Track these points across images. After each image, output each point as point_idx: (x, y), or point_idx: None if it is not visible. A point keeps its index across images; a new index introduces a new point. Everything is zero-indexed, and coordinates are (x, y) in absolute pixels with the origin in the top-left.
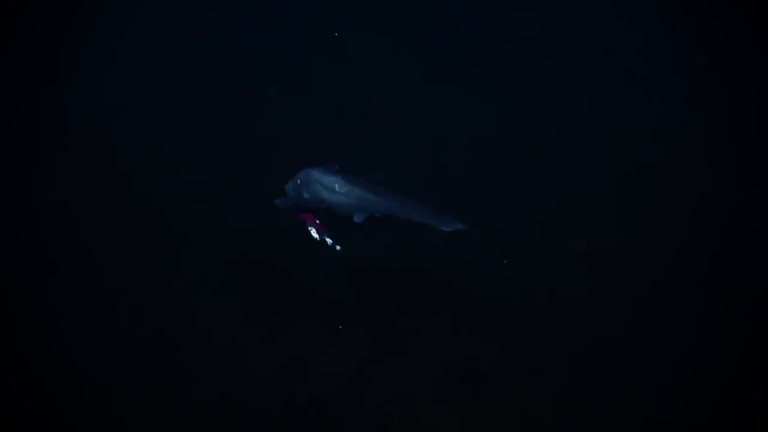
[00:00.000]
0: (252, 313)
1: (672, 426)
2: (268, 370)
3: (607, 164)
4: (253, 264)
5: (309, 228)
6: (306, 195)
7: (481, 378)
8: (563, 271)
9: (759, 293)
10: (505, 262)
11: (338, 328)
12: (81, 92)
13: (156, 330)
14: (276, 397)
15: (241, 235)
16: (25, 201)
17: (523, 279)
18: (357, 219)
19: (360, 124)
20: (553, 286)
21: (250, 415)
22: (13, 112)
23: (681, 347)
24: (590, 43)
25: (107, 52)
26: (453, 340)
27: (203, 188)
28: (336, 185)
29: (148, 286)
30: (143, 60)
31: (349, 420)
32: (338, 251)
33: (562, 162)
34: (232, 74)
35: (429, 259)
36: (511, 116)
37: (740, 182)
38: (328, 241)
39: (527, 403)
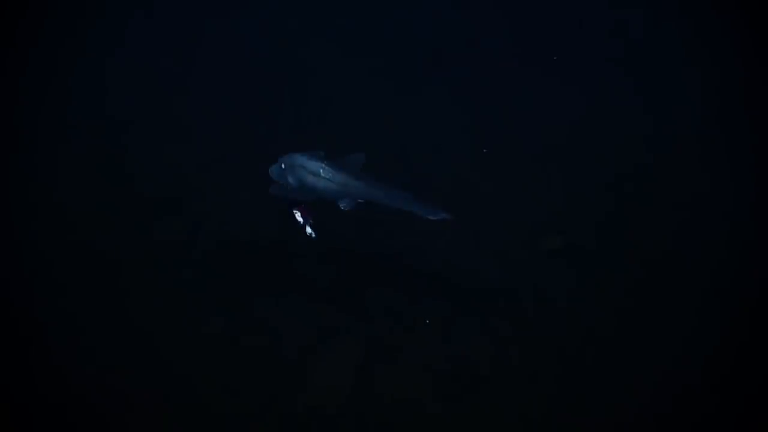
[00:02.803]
0: (242, 314)
1: (670, 423)
2: (263, 375)
3: (596, 163)
4: (242, 262)
5: (294, 212)
6: (290, 180)
7: (478, 379)
8: (551, 269)
9: (750, 292)
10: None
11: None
12: (81, 93)
13: (151, 330)
14: (272, 400)
15: (228, 233)
16: (24, 201)
17: (510, 276)
18: (343, 206)
19: (347, 123)
20: (541, 284)
21: (244, 421)
22: (12, 111)
23: (677, 345)
24: (577, 42)
25: (107, 53)
26: (446, 340)
27: (197, 186)
28: (321, 170)
29: (143, 285)
30: (141, 61)
31: (347, 424)
32: (314, 239)
33: (551, 160)
34: (217, 75)
35: (414, 253)
36: (499, 114)
37: (730, 183)
38: (308, 230)
39: (524, 403)
